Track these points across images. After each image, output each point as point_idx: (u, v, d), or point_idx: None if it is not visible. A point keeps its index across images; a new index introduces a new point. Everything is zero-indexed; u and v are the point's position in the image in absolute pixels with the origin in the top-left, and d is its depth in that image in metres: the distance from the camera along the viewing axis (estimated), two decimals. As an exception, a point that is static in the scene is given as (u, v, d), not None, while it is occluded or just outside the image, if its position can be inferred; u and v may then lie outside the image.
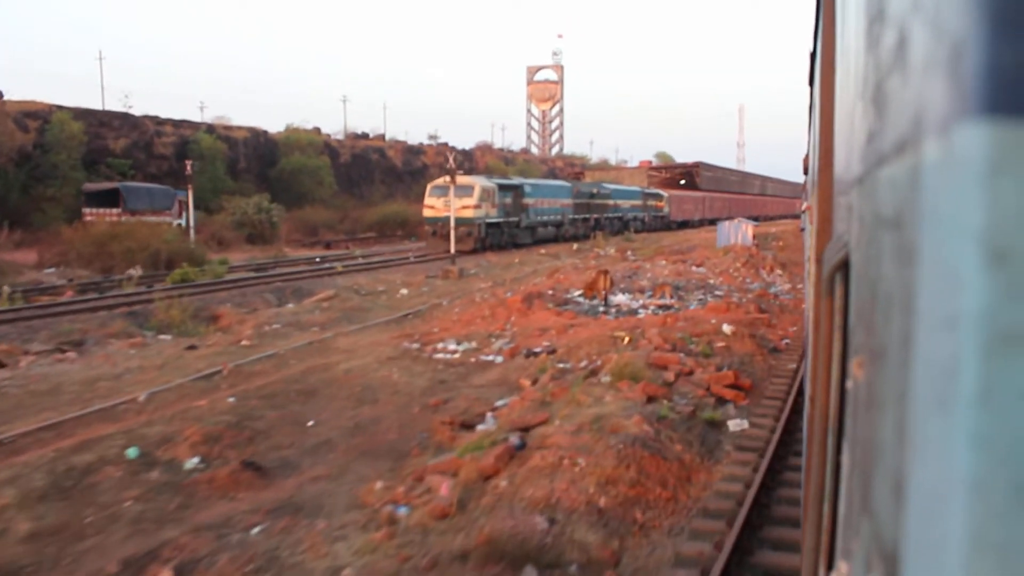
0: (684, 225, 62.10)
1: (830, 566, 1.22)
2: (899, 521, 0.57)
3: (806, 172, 8.02)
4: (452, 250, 24.95)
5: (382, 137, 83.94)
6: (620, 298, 18.52)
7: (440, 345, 13.67)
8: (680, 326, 13.27)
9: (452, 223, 25.48)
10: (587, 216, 42.63)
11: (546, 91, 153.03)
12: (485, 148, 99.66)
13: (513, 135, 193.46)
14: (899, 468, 0.58)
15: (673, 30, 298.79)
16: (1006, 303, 0.41)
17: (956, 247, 0.45)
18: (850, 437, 1.02)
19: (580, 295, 18.76)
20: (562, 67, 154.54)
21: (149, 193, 41.62)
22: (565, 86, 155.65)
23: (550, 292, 18.81)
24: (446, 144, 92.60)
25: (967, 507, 0.42)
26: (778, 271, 23.12)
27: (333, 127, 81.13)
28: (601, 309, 17.49)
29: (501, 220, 33.14)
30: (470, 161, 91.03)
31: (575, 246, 37.36)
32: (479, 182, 31.71)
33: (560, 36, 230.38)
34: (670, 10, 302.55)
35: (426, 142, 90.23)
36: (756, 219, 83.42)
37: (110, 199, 39.13)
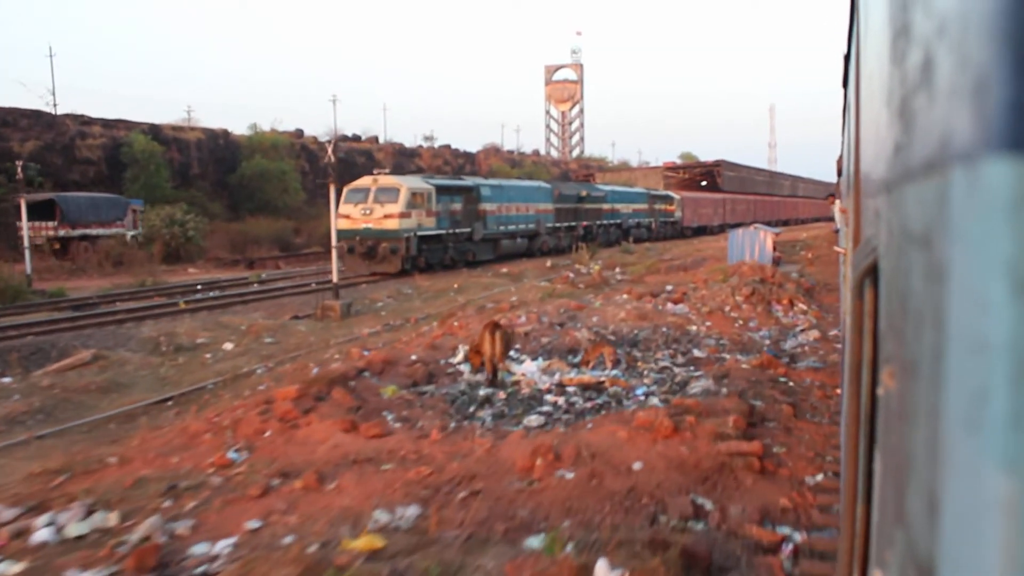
0: (701, 232, 54.12)
1: (864, 573, 1.19)
2: (934, 535, 0.56)
3: (840, 175, 7.50)
4: (335, 277, 17.51)
5: (376, 139, 77.36)
6: (527, 367, 10.99)
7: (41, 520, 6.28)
8: (552, 489, 5.76)
9: (334, 239, 18.01)
10: (573, 224, 34.92)
11: (565, 91, 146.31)
12: (491, 150, 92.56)
13: (531, 138, 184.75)
14: (932, 483, 0.57)
15: (699, 26, 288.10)
16: None
17: (985, 274, 0.45)
18: (882, 445, 1.02)
19: (464, 361, 11.32)
20: (581, 66, 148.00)
21: (93, 203, 35.98)
22: (585, 86, 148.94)
23: (413, 358, 11.36)
24: (448, 146, 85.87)
25: (1000, 529, 0.42)
26: (801, 305, 15.33)
27: (328, 129, 74.57)
28: (482, 393, 10.03)
29: (443, 232, 25.55)
30: (472, 164, 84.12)
31: (549, 262, 29.79)
32: (407, 183, 24.15)
33: (579, 33, 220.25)
34: (696, 4, 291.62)
35: (424, 144, 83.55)
36: (786, 223, 74.83)
37: (46, 211, 33.46)
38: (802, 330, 13.64)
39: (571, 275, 26.70)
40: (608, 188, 40.35)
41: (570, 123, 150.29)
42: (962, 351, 0.49)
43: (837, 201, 17.70)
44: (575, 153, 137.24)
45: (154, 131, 47.07)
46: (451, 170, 75.02)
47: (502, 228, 29.10)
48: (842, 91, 5.31)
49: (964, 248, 0.49)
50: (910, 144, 0.71)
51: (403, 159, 73.06)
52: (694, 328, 12.97)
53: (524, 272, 27.38)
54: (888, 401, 0.92)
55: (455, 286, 22.93)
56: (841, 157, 7.24)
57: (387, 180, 24.01)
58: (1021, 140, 0.41)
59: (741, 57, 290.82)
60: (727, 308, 14.14)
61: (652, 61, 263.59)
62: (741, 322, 13.62)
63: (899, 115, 0.78)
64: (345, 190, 24.61)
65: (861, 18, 1.79)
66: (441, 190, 25.52)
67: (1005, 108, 0.41)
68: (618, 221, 40.14)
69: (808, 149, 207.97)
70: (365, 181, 24.53)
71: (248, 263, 32.43)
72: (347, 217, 23.97)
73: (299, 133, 68.31)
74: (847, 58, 4.11)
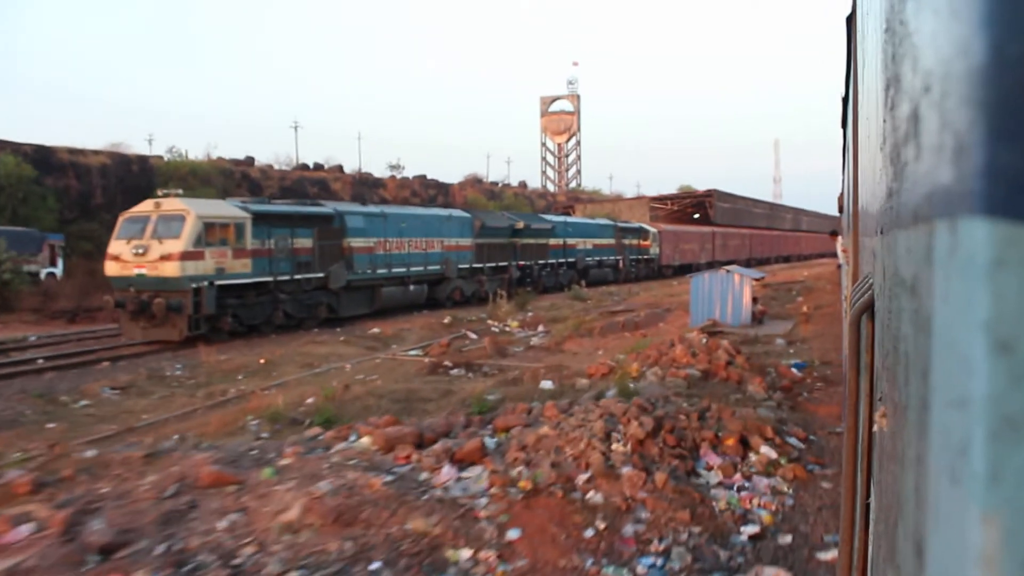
0: (686, 270, 46.19)
1: None
2: None
3: (841, 211, 7.55)
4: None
5: (340, 168, 70.37)
6: None
7: None
8: None
9: None
10: (502, 264, 27.08)
11: (561, 123, 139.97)
12: (469, 181, 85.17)
13: (527, 170, 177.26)
14: (920, 529, 0.58)
15: (701, 57, 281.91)
16: (1012, 391, 0.42)
17: (965, 332, 0.46)
18: (877, 482, 0.99)
19: None
20: (578, 97, 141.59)
21: (3, 236, 29.82)
22: (582, 117, 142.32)
23: None
24: (423, 176, 78.57)
25: None
26: (765, 449, 7.41)
27: (314, 158, 68.14)
28: None
29: (270, 279, 17.83)
30: (446, 195, 76.66)
31: (448, 318, 21.94)
32: (198, 208, 16.34)
33: (576, 64, 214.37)
34: (699, 36, 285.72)
35: (395, 174, 76.14)
36: (787, 259, 66.79)
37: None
38: (753, 538, 5.76)
39: (471, 335, 18.94)
40: (558, 219, 32.56)
41: (567, 155, 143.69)
42: (945, 404, 0.49)
43: (840, 238, 14.59)
44: (572, 186, 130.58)
45: (42, 154, 39.99)
46: (419, 202, 67.24)
47: (381, 271, 21.25)
48: (840, 131, 5.81)
49: (945, 303, 0.49)
50: (900, 191, 0.71)
51: (364, 189, 65.88)
52: (465, 557, 5.08)
53: (404, 332, 19.57)
54: (882, 440, 0.91)
55: (261, 362, 15.11)
56: (842, 195, 7.39)
57: (172, 204, 16.29)
58: (997, 206, 0.41)
59: (745, 89, 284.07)
60: (583, 477, 6.22)
61: (652, 93, 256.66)
62: (603, 523, 5.70)
63: (891, 161, 0.78)
64: (120, 219, 16.94)
65: (858, 63, 1.85)
66: (266, 219, 17.71)
67: (982, 173, 0.42)
68: (572, 260, 32.29)
69: (815, 183, 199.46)
70: (146, 206, 16.85)
71: (70, 317, 24.75)
72: (117, 259, 16.27)
73: (249, 160, 61.33)
74: (845, 100, 4.51)
